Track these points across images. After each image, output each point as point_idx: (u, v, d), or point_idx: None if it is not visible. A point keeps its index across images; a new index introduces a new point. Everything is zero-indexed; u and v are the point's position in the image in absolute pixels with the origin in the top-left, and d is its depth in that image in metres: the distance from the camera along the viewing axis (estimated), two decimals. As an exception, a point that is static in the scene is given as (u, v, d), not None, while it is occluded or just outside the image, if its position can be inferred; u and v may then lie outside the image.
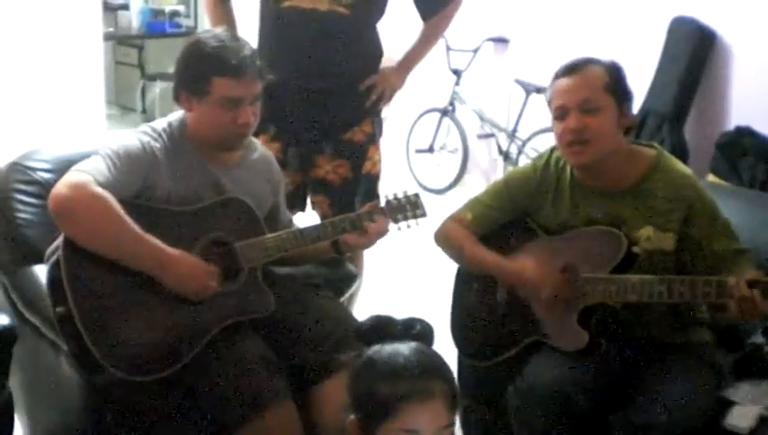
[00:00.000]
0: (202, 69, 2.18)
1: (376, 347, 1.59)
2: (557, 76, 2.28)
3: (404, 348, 1.57)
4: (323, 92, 2.84)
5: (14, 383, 2.29)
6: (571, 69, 2.25)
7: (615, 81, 2.24)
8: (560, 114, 2.25)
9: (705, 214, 2.24)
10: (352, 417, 1.56)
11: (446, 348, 2.55)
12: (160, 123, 2.27)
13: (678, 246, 2.23)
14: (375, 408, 1.51)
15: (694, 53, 4.39)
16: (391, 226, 2.47)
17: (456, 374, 2.64)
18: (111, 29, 7.31)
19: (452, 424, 1.54)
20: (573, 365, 2.19)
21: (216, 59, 2.17)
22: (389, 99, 3.01)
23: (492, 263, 2.38)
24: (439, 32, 3.14)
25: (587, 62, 2.26)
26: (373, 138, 2.97)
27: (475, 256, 2.42)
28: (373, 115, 2.97)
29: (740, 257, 2.17)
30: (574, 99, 2.22)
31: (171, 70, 2.36)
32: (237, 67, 2.17)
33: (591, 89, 2.21)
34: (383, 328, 1.62)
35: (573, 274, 2.24)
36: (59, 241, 2.07)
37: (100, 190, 2.02)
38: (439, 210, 2.56)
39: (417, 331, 1.64)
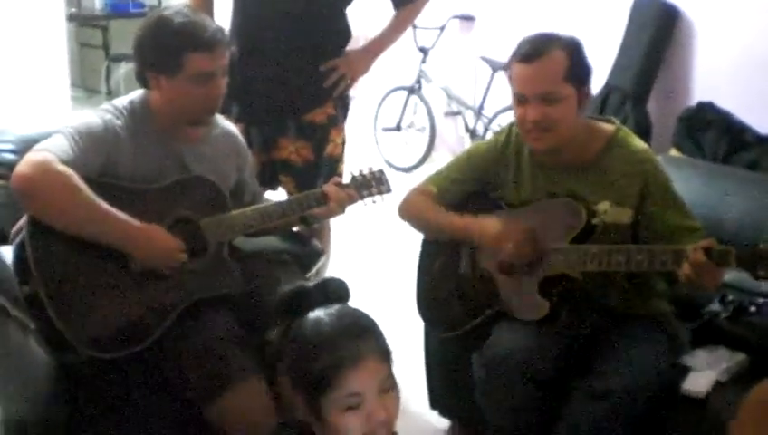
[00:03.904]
0: (174, 46, 2.16)
1: (297, 323, 1.58)
2: (516, 58, 2.25)
3: (324, 317, 1.57)
4: (285, 72, 2.83)
5: (-17, 364, 2.29)
6: (531, 55, 2.21)
7: (575, 64, 2.22)
8: (519, 100, 2.25)
9: (659, 189, 2.27)
10: (299, 397, 1.57)
11: (412, 320, 2.60)
12: (121, 101, 2.27)
13: (635, 221, 2.27)
14: (314, 383, 1.52)
15: (657, 30, 4.44)
16: (358, 202, 2.49)
17: (423, 346, 2.72)
18: (74, 10, 7.23)
19: (390, 373, 1.56)
20: (535, 334, 2.23)
21: (188, 35, 2.16)
22: (351, 84, 2.98)
23: (456, 224, 2.41)
24: (410, 20, 3.14)
25: (546, 46, 2.21)
26: (335, 120, 2.96)
27: (439, 221, 2.45)
28: (337, 98, 2.95)
29: (693, 235, 2.19)
30: (534, 90, 2.21)
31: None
32: (209, 41, 2.17)
33: (552, 80, 2.19)
34: (300, 297, 1.62)
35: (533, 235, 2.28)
36: (23, 221, 2.07)
37: (63, 167, 2.02)
38: (407, 188, 2.58)
39: (333, 290, 1.64)
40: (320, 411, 1.53)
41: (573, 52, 2.23)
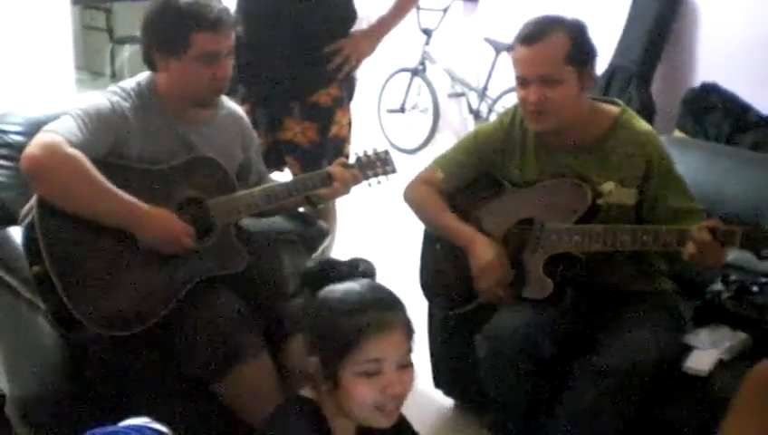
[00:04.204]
0: (180, 26, 2.19)
1: (327, 289, 1.63)
2: (518, 40, 2.27)
3: (355, 285, 1.63)
4: (290, 54, 2.85)
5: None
6: (532, 37, 2.23)
7: (577, 47, 2.23)
8: (521, 82, 2.28)
9: (662, 171, 2.29)
10: (314, 358, 1.61)
11: (416, 298, 2.63)
12: (129, 83, 2.29)
13: (639, 202, 2.29)
14: (338, 344, 1.56)
15: (660, 11, 4.45)
16: (363, 182, 2.52)
17: (426, 324, 2.74)
18: (78, -8, 7.25)
19: (410, 350, 1.62)
20: (539, 313, 2.26)
21: (194, 15, 2.19)
22: (356, 65, 2.99)
23: (453, 231, 2.44)
24: (413, 2, 3.14)
25: (548, 29, 2.23)
26: (341, 101, 2.98)
27: (438, 221, 2.48)
28: (342, 79, 2.96)
29: (695, 217, 2.21)
30: (534, 72, 2.23)
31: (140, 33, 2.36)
32: (216, 21, 2.20)
33: (552, 63, 2.21)
34: (329, 270, 1.67)
35: (535, 228, 2.30)
36: (32, 201, 2.09)
37: (72, 150, 2.04)
38: (411, 170, 2.60)
39: (362, 269, 1.69)
40: (336, 376, 1.57)
41: (576, 34, 2.24)
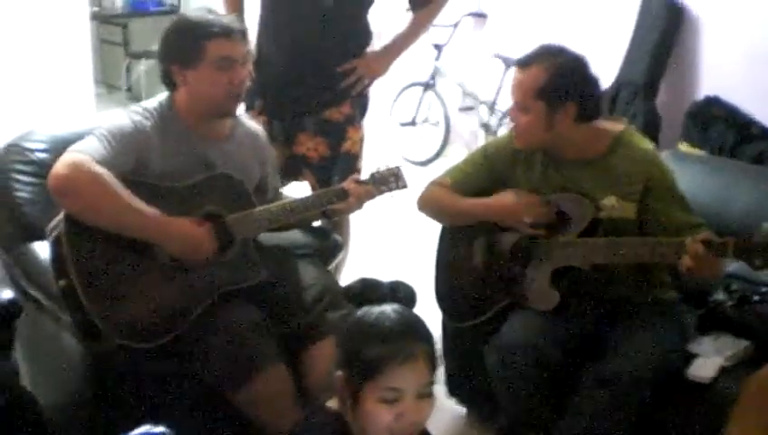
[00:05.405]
0: (193, 37, 2.28)
1: (364, 309, 1.68)
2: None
3: (390, 312, 1.66)
4: (306, 70, 2.91)
5: (17, 355, 2.36)
6: (521, 63, 2.36)
7: (553, 84, 2.29)
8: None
9: (663, 187, 2.36)
10: (340, 373, 1.66)
11: (430, 312, 2.68)
12: (150, 103, 2.36)
13: (639, 216, 2.35)
14: (362, 367, 1.61)
15: (665, 27, 4.48)
16: (376, 197, 2.58)
17: (440, 335, 2.80)
18: (96, 8, 7.34)
19: (432, 382, 1.65)
20: (546, 323, 2.32)
21: (205, 25, 2.28)
22: (368, 85, 3.05)
23: (475, 204, 2.52)
24: (427, 23, 3.18)
25: (535, 60, 2.33)
26: (353, 119, 3.03)
27: (458, 205, 2.54)
28: (354, 97, 3.01)
29: (697, 231, 2.25)
30: (512, 95, 2.37)
31: (155, 48, 2.44)
32: (226, 28, 2.29)
33: (523, 92, 2.33)
34: (370, 290, 1.72)
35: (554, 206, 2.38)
36: (59, 217, 2.16)
37: (97, 167, 2.11)
38: (423, 182, 2.66)
39: (402, 294, 1.74)
40: (358, 394, 1.61)
41: (560, 72, 2.30)
